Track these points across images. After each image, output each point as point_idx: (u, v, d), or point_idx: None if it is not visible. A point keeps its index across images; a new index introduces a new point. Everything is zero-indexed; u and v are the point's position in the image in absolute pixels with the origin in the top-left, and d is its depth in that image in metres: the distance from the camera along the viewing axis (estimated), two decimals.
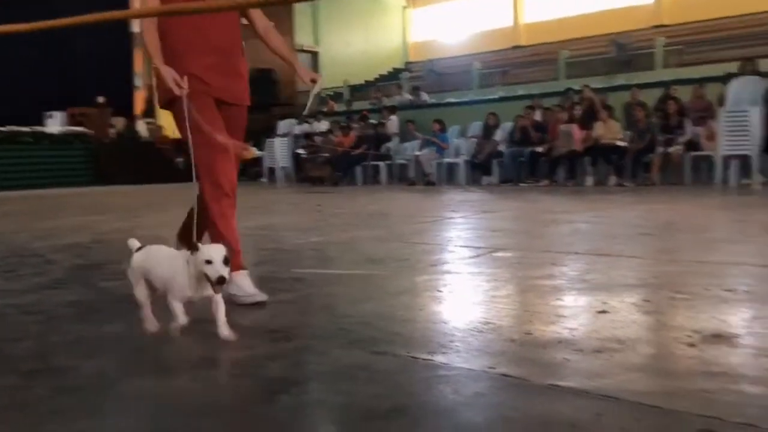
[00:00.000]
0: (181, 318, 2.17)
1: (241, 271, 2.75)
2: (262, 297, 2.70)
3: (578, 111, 10.95)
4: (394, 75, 22.20)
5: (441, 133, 12.63)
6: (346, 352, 2.05)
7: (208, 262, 2.08)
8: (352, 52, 22.36)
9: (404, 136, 13.53)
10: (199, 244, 2.17)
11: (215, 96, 2.82)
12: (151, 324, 2.29)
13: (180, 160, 16.90)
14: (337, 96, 19.05)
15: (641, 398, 1.59)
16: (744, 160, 8.64)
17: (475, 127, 12.54)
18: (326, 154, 13.62)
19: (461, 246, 4.41)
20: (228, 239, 2.69)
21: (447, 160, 12.45)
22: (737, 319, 2.32)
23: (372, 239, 4.78)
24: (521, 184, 10.95)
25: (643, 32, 17.94)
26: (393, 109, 14.42)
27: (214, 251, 2.11)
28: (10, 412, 1.65)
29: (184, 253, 2.22)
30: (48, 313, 2.72)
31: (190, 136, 2.63)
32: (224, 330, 2.16)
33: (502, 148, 11.70)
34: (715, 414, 1.48)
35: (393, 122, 13.84)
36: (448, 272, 3.40)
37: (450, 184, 12.08)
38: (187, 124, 2.62)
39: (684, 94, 10.28)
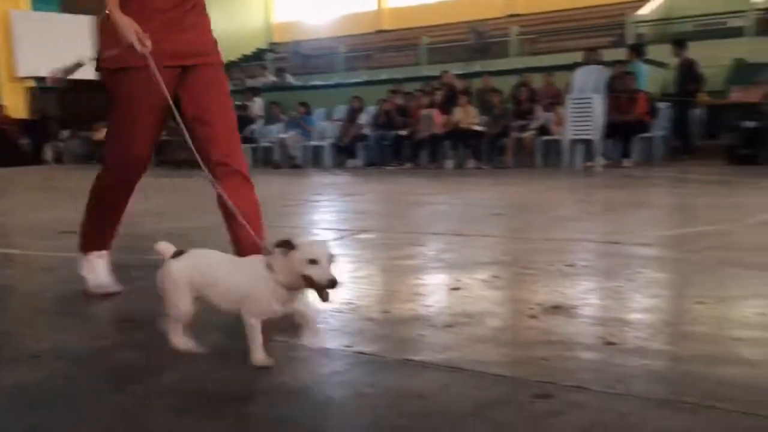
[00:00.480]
0: (259, 347, 1.73)
1: (103, 252, 2.63)
2: (115, 288, 2.59)
3: (439, 96, 11.30)
4: (258, 55, 21.83)
5: (306, 116, 12.58)
6: (201, 338, 2.01)
7: (313, 261, 1.65)
8: (214, 31, 21.67)
9: (269, 118, 13.35)
10: (298, 241, 1.71)
11: (173, 63, 2.30)
12: (186, 343, 1.87)
13: (26, 141, 15.77)
14: None
15: (486, 368, 1.69)
16: (588, 144, 9.28)
17: (341, 111, 12.60)
18: None
19: (325, 228, 4.45)
20: (110, 214, 2.58)
21: (312, 143, 12.43)
22: (575, 291, 2.50)
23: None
24: (385, 167, 11.15)
25: (499, 21, 18.73)
26: (256, 91, 14.18)
27: (319, 248, 1.68)
28: None
29: (255, 257, 1.83)
30: None
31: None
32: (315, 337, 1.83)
33: (366, 131, 11.85)
34: (551, 379, 1.60)
35: (257, 104, 13.62)
36: None
37: (316, 167, 12.08)
38: (162, 87, 2.14)
39: (538, 81, 10.87)
